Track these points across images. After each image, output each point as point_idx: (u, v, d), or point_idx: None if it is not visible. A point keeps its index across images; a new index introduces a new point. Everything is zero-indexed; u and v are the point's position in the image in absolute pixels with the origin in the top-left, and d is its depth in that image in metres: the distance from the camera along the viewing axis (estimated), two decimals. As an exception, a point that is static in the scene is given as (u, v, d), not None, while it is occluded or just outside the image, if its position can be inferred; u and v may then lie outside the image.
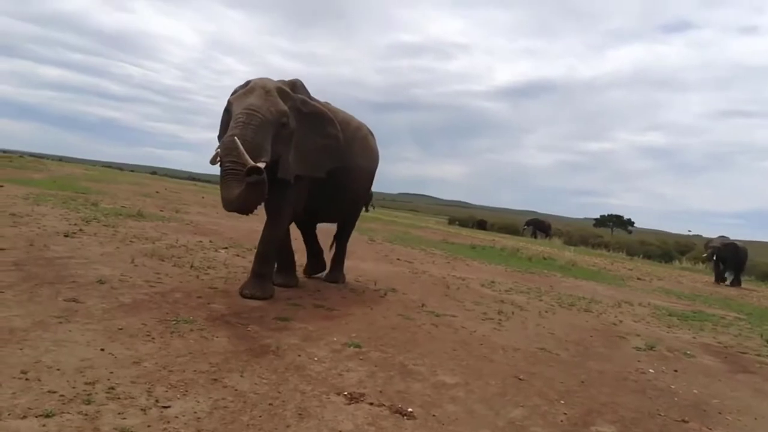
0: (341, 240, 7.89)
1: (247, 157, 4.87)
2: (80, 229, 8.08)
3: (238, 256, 8.19)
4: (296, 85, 6.15)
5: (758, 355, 6.94)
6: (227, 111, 5.74)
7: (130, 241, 7.78)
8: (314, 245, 7.80)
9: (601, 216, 71.46)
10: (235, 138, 4.97)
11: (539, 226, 39.20)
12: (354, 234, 15.51)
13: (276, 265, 6.47)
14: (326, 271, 7.72)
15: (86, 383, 3.05)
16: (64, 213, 9.54)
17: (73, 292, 4.82)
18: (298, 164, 5.93)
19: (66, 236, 7.38)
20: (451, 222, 45.28)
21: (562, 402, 4.08)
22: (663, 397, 4.63)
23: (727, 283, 19.66)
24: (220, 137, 5.91)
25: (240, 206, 5.09)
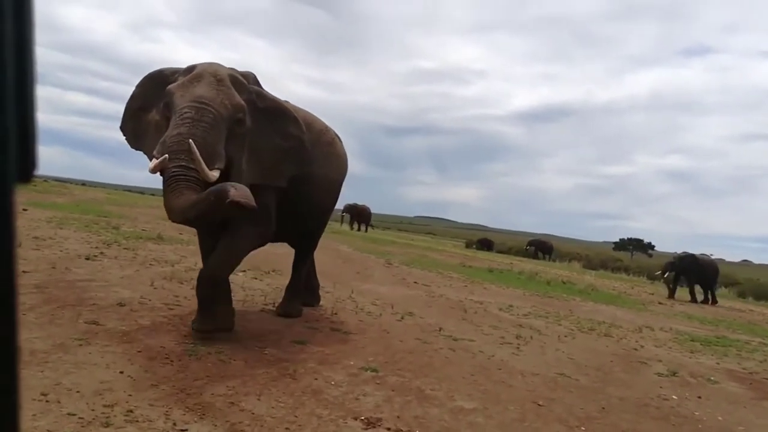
0: (300, 263, 6.64)
1: (202, 163, 4.08)
2: (101, 252, 8.19)
3: (255, 279, 8.23)
4: (250, 78, 5.12)
5: (785, 382, 6.75)
6: (136, 97, 4.92)
7: (150, 264, 7.87)
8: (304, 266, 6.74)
9: (620, 240, 70.54)
10: (190, 141, 4.06)
11: (541, 247, 40.67)
12: (371, 257, 15.60)
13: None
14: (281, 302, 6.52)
15: (105, 406, 3.07)
16: (86, 236, 9.70)
17: (94, 315, 4.88)
18: (252, 170, 4.88)
19: (87, 259, 7.49)
20: (468, 245, 45.04)
21: (583, 429, 4.01)
22: (687, 424, 4.52)
23: (700, 300, 18.15)
24: (122, 128, 5.07)
25: (192, 216, 4.20)
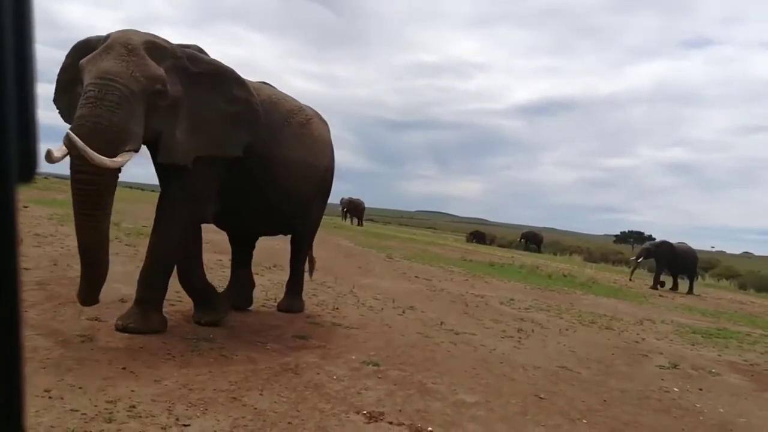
0: (294, 258, 6.46)
1: (90, 153, 3.63)
2: (102, 249, 8.18)
3: (257, 274, 8.20)
4: (191, 47, 4.76)
5: (786, 374, 6.76)
6: (66, 69, 4.53)
7: (151, 261, 7.86)
8: (239, 270, 6.21)
9: (621, 232, 70.52)
10: (68, 132, 3.65)
11: (532, 239, 42.30)
12: (372, 252, 15.60)
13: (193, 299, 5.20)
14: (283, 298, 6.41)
15: (108, 401, 3.08)
16: (86, 233, 9.69)
17: (95, 311, 4.87)
18: (196, 142, 4.52)
19: (88, 256, 7.48)
20: (469, 240, 45.14)
21: (584, 421, 4.02)
22: (688, 416, 4.53)
23: (670, 287, 18.01)
24: (55, 102, 4.65)
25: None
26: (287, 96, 5.81)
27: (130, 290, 5.78)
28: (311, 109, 6.15)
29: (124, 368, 3.63)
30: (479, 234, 44.72)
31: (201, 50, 4.87)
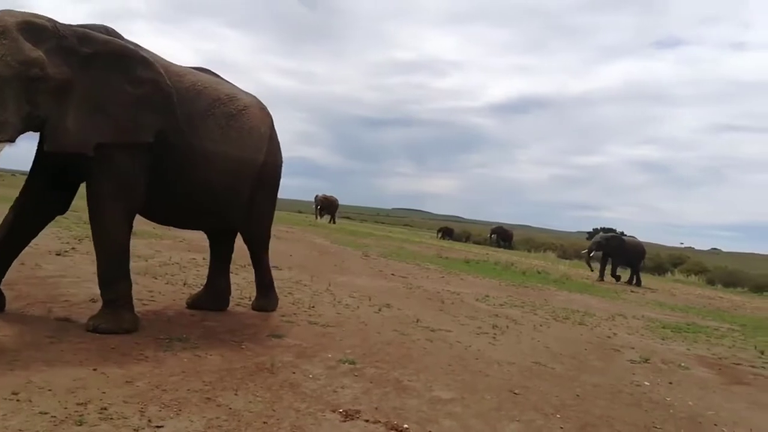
0: (253, 259, 6.24)
1: None
2: (72, 248, 8.04)
3: (231, 273, 8.14)
4: (95, 28, 4.48)
5: (752, 367, 6.95)
6: None
7: (123, 259, 7.73)
8: (214, 265, 5.98)
9: (594, 229, 71.45)
10: None
11: (502, 235, 43.25)
12: (348, 249, 15.58)
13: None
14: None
15: (78, 404, 3.02)
16: (55, 231, 9.48)
17: (65, 311, 4.79)
18: (97, 128, 4.23)
19: (58, 255, 7.34)
20: (438, 236, 45.51)
21: (558, 416, 4.07)
22: (658, 409, 4.62)
23: (625, 281, 18.40)
24: None
25: None
26: (221, 84, 5.42)
27: (101, 290, 5.69)
28: (252, 98, 5.72)
29: (94, 369, 3.56)
30: (448, 230, 45.73)
31: (109, 30, 4.59)
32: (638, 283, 18.41)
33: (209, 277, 5.92)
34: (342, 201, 38.18)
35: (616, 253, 18.53)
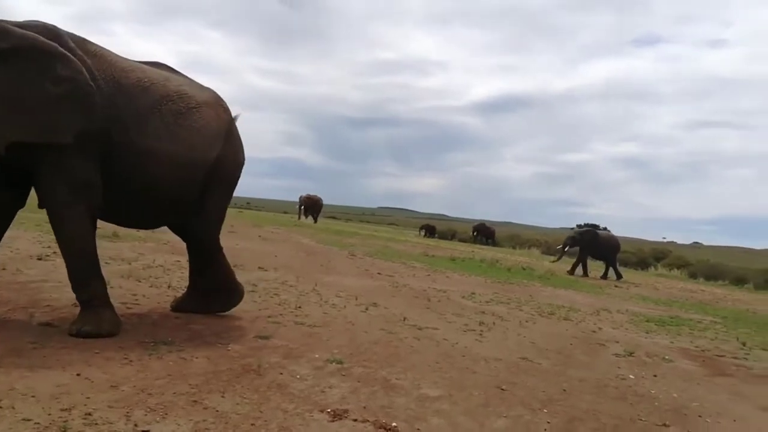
0: (205, 258, 5.73)
1: None
2: (54, 252, 7.91)
3: (216, 274, 8.10)
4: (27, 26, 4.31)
5: (735, 358, 7.05)
6: None
7: (106, 263, 7.62)
8: (194, 264, 5.82)
9: (577, 225, 71.98)
10: None
11: (484, 232, 43.77)
12: (334, 249, 15.54)
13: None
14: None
15: (62, 409, 2.98)
16: (36, 236, 9.36)
17: (48, 316, 4.73)
18: (10, 127, 4.10)
19: (39, 259, 7.24)
20: (421, 233, 45.68)
21: (545, 411, 4.10)
22: (643, 402, 4.68)
23: (598, 276, 18.45)
24: None
25: None
26: (171, 80, 5.17)
27: (84, 294, 5.62)
28: (209, 95, 5.49)
29: (78, 375, 3.52)
30: (430, 228, 45.90)
31: (49, 28, 4.43)
32: (618, 277, 18.50)
33: (191, 279, 5.83)
34: (327, 201, 38.05)
35: (591, 248, 18.62)
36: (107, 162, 4.59)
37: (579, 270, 18.45)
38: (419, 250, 20.85)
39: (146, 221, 5.59)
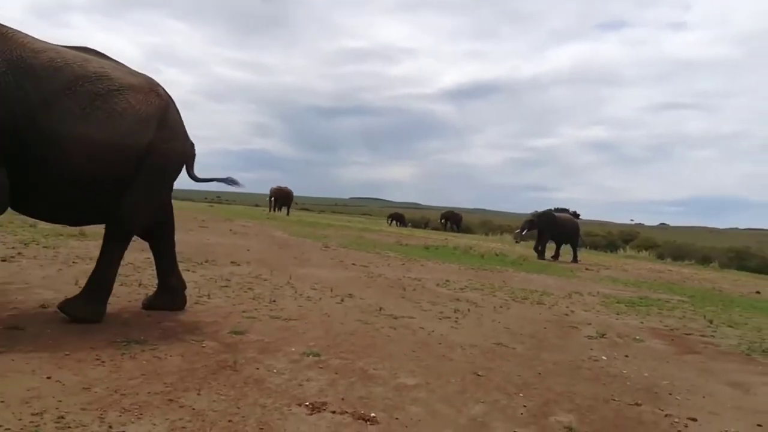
0: (102, 252, 5.17)
1: None
2: (19, 253, 7.72)
3: (188, 270, 7.98)
4: None
5: (702, 336, 7.25)
6: None
7: (73, 262, 7.49)
8: (159, 263, 5.72)
9: (555, 209, 72.94)
10: None
11: (452, 219, 44.38)
12: (307, 241, 15.46)
13: None
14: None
15: (33, 414, 2.91)
16: (0, 236, 9.10)
17: (15, 320, 4.60)
18: None
19: (4, 260, 7.04)
20: (389, 222, 45.90)
21: (521, 395, 4.16)
22: (616, 382, 4.78)
23: (551, 257, 18.72)
24: None
25: None
26: (90, 62, 4.77)
27: (51, 295, 5.50)
28: (139, 79, 5.10)
29: (49, 378, 3.44)
30: (399, 216, 46.35)
31: None
32: (574, 259, 18.82)
33: (158, 276, 5.73)
34: (299, 192, 37.73)
35: (549, 230, 18.87)
36: (14, 153, 4.25)
37: (562, 257, 18.71)
38: (393, 239, 20.89)
39: (75, 216, 5.13)
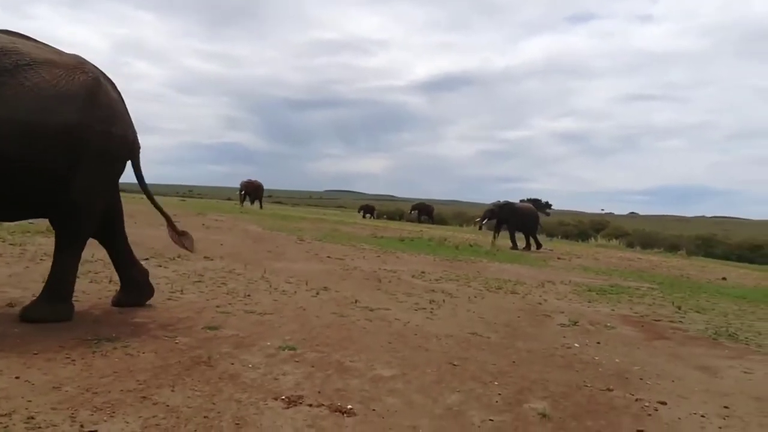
0: (56, 251, 4.89)
1: None
2: (-18, 251, 7.51)
3: (160, 266, 7.88)
4: None
5: (671, 322, 7.42)
6: None
7: (41, 260, 7.31)
8: (116, 258, 5.50)
9: (520, 200, 73.71)
10: None
11: (424, 210, 44.49)
12: (282, 235, 15.34)
13: None
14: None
15: (2, 415, 2.84)
16: (-37, 234, 8.85)
17: (-20, 319, 4.48)
18: None
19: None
20: (379, 216, 45.86)
21: (496, 383, 4.21)
22: (588, 369, 4.86)
23: (522, 247, 18.90)
24: None
25: None
26: (2, 38, 4.48)
27: (18, 293, 5.38)
28: (67, 58, 4.77)
29: (17, 378, 3.36)
30: (369, 207, 46.27)
31: None
32: (538, 247, 19.17)
33: (119, 273, 5.50)
34: (272, 185, 37.40)
35: (510, 220, 19.17)
36: None
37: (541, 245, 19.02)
38: (368, 231, 20.87)
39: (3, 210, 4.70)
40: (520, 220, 19.20)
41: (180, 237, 5.87)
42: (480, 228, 20.61)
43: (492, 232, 19.96)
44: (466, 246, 17.73)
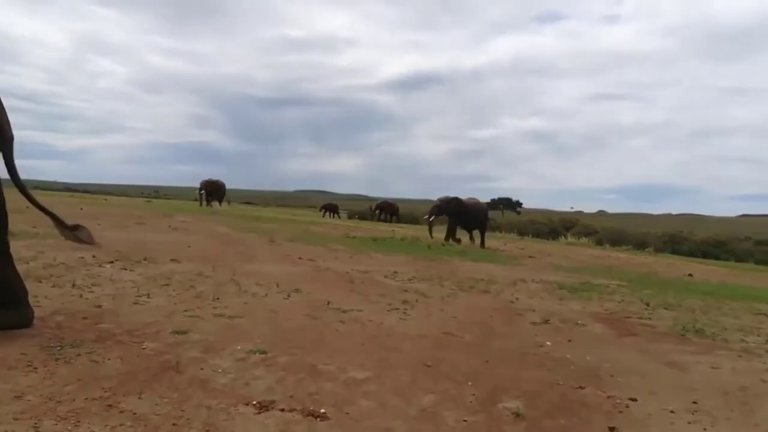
0: None
1: None
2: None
3: (125, 269, 7.69)
4: None
5: (640, 318, 7.54)
6: None
7: None
8: None
9: (491, 200, 74.61)
10: None
11: (388, 209, 44.46)
12: (252, 236, 15.17)
13: None
14: None
15: (-43, 428, 2.72)
16: None
17: (-65, 327, 4.29)
18: None
19: None
20: (351, 216, 45.83)
21: (470, 383, 4.20)
22: (560, 367, 4.89)
23: (467, 243, 19.32)
24: None
25: None
26: None
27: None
28: None
29: (-26, 388, 3.22)
30: (332, 206, 46.99)
31: None
32: (482, 244, 19.32)
33: None
34: (242, 185, 36.99)
35: (457, 216, 19.25)
36: None
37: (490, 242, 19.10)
38: (340, 232, 20.80)
39: None
40: (468, 216, 19.21)
41: (73, 232, 5.43)
42: (429, 226, 20.60)
43: (445, 228, 19.92)
44: (438, 245, 17.80)
